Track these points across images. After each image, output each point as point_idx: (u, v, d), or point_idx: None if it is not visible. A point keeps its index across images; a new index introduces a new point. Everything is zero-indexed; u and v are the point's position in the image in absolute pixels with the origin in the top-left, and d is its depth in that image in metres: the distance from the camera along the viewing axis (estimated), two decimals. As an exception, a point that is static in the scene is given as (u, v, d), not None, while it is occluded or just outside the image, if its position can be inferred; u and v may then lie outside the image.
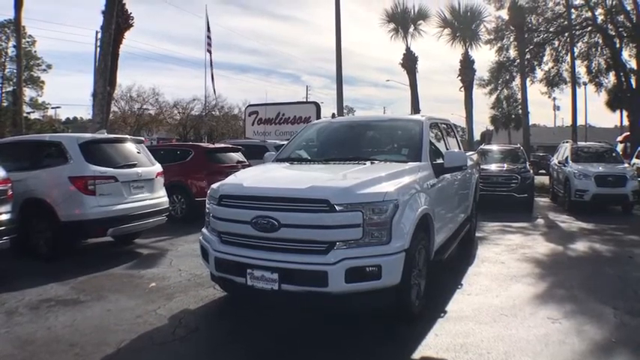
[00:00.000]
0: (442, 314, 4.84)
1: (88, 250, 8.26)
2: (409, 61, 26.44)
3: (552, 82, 26.01)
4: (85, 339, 4.27)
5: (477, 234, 9.16)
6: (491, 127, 62.10)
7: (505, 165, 13.88)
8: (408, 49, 26.67)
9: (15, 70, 43.47)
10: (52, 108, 52.37)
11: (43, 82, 47.88)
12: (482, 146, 17.60)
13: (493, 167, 13.61)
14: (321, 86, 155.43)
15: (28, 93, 46.31)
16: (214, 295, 5.52)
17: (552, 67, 25.84)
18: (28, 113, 45.90)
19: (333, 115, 7.33)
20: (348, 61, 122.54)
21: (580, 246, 8.48)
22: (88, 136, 8.10)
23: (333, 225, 4.08)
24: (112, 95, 17.56)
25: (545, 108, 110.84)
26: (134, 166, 7.91)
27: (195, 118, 41.34)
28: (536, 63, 25.85)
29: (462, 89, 25.75)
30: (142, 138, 9.31)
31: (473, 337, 4.28)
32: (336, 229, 4.09)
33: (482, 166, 13.24)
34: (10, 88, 44.93)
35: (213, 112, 40.69)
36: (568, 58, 23.86)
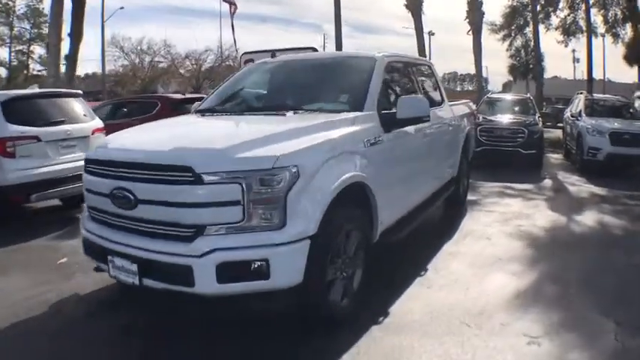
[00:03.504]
0: (381, 318, 3.53)
1: (24, 217, 7.21)
2: (414, 1, 24.01)
3: (568, 30, 24.29)
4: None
5: (470, 196, 7.75)
6: (510, 78, 59.55)
7: (512, 117, 12.25)
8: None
9: (24, 29, 44.18)
10: (63, 65, 51.05)
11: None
12: (488, 95, 15.95)
13: (497, 119, 11.97)
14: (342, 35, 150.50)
15: (38, 51, 45.43)
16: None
17: (568, 15, 24.05)
18: (39, 71, 45.22)
19: (273, 55, 5.78)
20: (370, 7, 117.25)
21: (587, 219, 6.88)
22: (11, 93, 7.27)
23: (199, 202, 2.83)
24: (78, 49, 16.03)
25: (565, 60, 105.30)
26: (62, 123, 6.98)
27: (209, 70, 39.68)
28: (551, 9, 23.87)
29: (470, 33, 23.49)
30: (80, 91, 8.45)
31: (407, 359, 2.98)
32: (205, 208, 2.83)
33: (486, 117, 11.88)
34: (19, 47, 45.02)
35: (228, 63, 38.67)
36: (583, 6, 21.94)
